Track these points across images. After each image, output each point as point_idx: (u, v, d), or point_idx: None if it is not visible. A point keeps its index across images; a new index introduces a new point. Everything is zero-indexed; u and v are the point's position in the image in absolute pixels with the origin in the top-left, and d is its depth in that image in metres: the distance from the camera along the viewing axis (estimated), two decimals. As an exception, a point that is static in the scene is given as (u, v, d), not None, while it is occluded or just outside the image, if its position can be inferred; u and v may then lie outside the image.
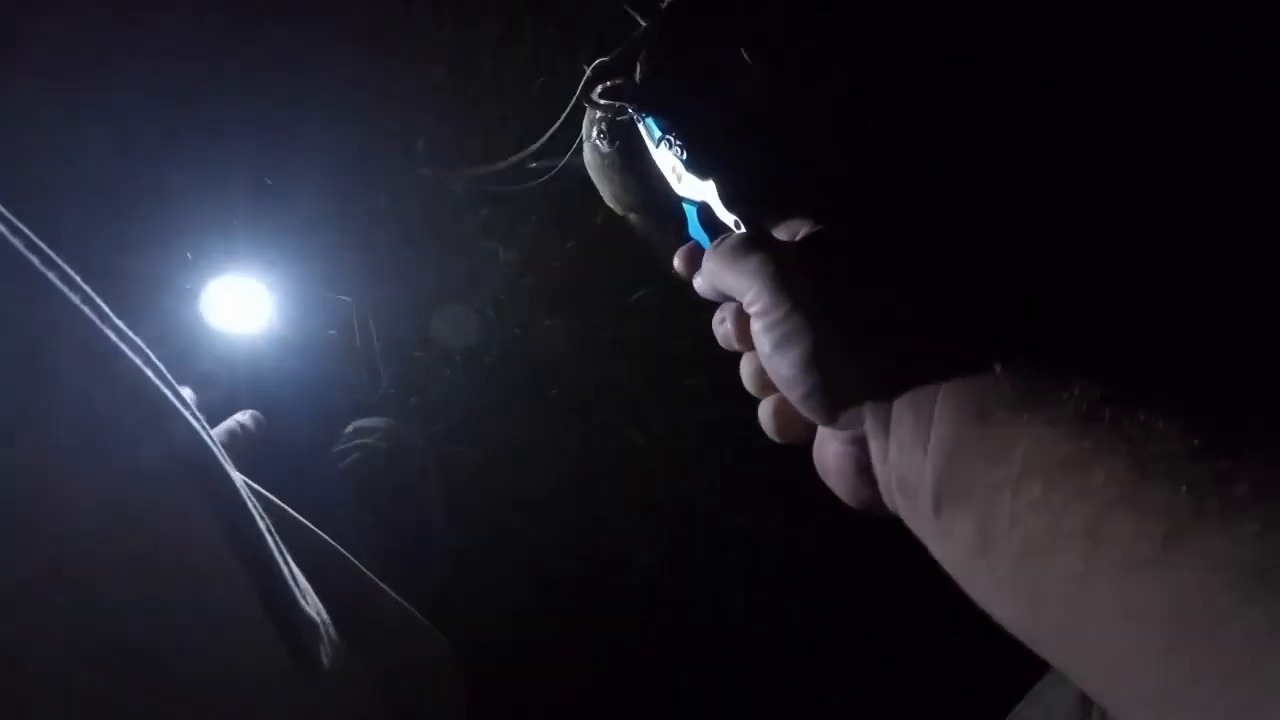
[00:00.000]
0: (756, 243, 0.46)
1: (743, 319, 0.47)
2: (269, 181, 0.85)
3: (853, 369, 0.42)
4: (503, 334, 0.95)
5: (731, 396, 1.01)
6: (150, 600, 0.41)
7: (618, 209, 0.63)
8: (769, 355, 0.44)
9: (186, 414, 0.45)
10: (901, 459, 0.40)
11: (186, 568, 0.45)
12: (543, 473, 0.97)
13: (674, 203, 0.54)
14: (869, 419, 0.42)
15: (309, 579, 0.55)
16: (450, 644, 0.71)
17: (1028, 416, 0.37)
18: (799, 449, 0.48)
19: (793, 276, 0.44)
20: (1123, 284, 0.74)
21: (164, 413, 0.43)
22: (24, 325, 0.37)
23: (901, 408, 0.40)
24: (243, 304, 0.89)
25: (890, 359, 0.42)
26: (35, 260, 0.38)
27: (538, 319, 0.97)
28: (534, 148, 0.65)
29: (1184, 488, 0.33)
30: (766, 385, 0.47)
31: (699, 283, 0.50)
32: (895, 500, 0.42)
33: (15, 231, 0.38)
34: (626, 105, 0.56)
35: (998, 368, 0.39)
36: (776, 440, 0.48)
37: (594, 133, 0.59)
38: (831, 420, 0.43)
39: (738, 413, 0.98)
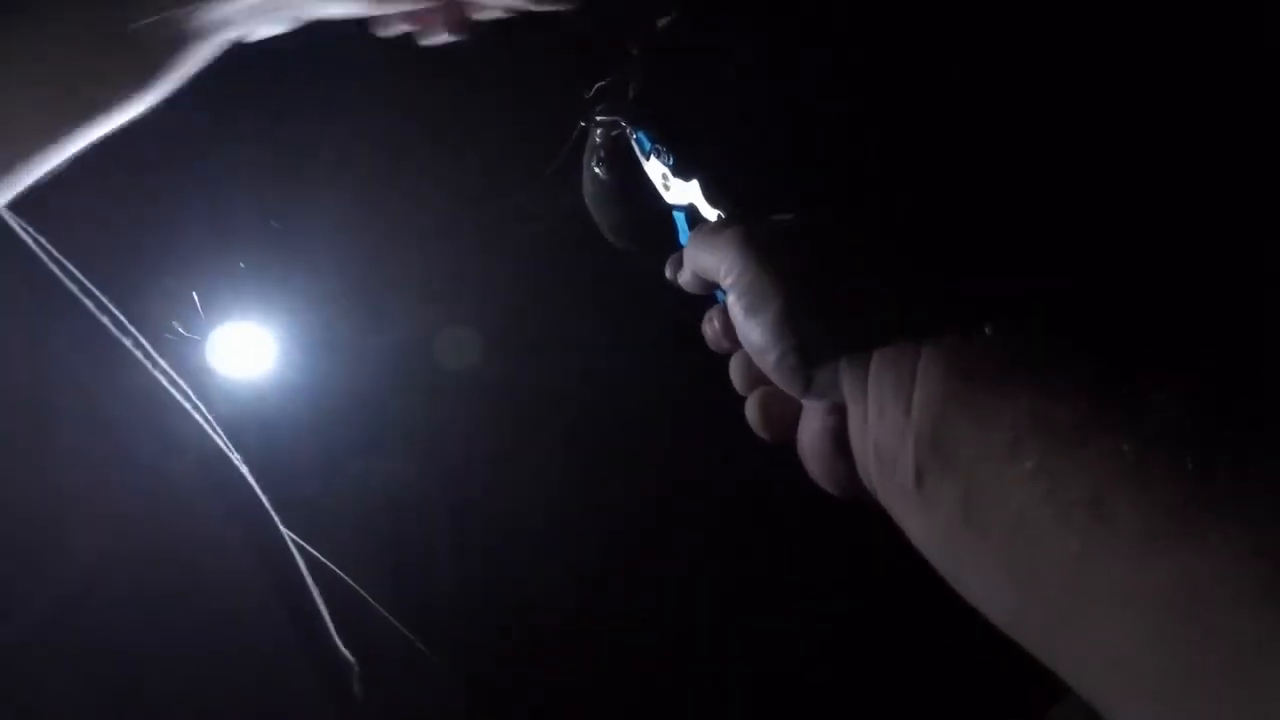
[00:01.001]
0: (732, 221, 0.46)
1: (727, 314, 0.46)
2: (275, 225, 0.85)
3: (827, 325, 0.40)
4: (505, 368, 0.95)
5: (729, 417, 1.01)
6: (167, 635, 0.40)
7: (618, 242, 0.64)
8: (742, 324, 0.42)
9: (219, 439, 0.44)
10: (881, 423, 0.37)
11: (209, 600, 0.44)
12: (547, 506, 0.96)
13: (665, 214, 0.54)
14: (846, 381, 0.39)
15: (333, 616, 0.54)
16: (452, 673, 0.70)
17: (1022, 381, 0.34)
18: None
19: (765, 241, 0.42)
20: (1120, 269, 0.74)
21: (193, 434, 0.43)
22: (70, 359, 0.37)
23: (881, 366, 0.38)
24: (249, 350, 0.89)
25: (869, 314, 0.39)
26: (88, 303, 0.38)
27: (538, 354, 0.97)
28: (553, 166, 0.65)
29: (1191, 464, 0.30)
30: (753, 379, 0.46)
31: (683, 276, 0.50)
32: (872, 474, 0.39)
33: (69, 275, 0.38)
34: (620, 119, 0.57)
35: (988, 329, 0.36)
36: (766, 438, 0.46)
37: (593, 160, 0.60)
38: (807, 385, 0.40)
39: (742, 443, 0.98)
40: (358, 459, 0.95)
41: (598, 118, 0.59)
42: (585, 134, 0.61)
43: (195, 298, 0.85)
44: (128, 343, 0.39)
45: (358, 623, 0.59)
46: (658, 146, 0.55)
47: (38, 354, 0.36)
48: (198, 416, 0.43)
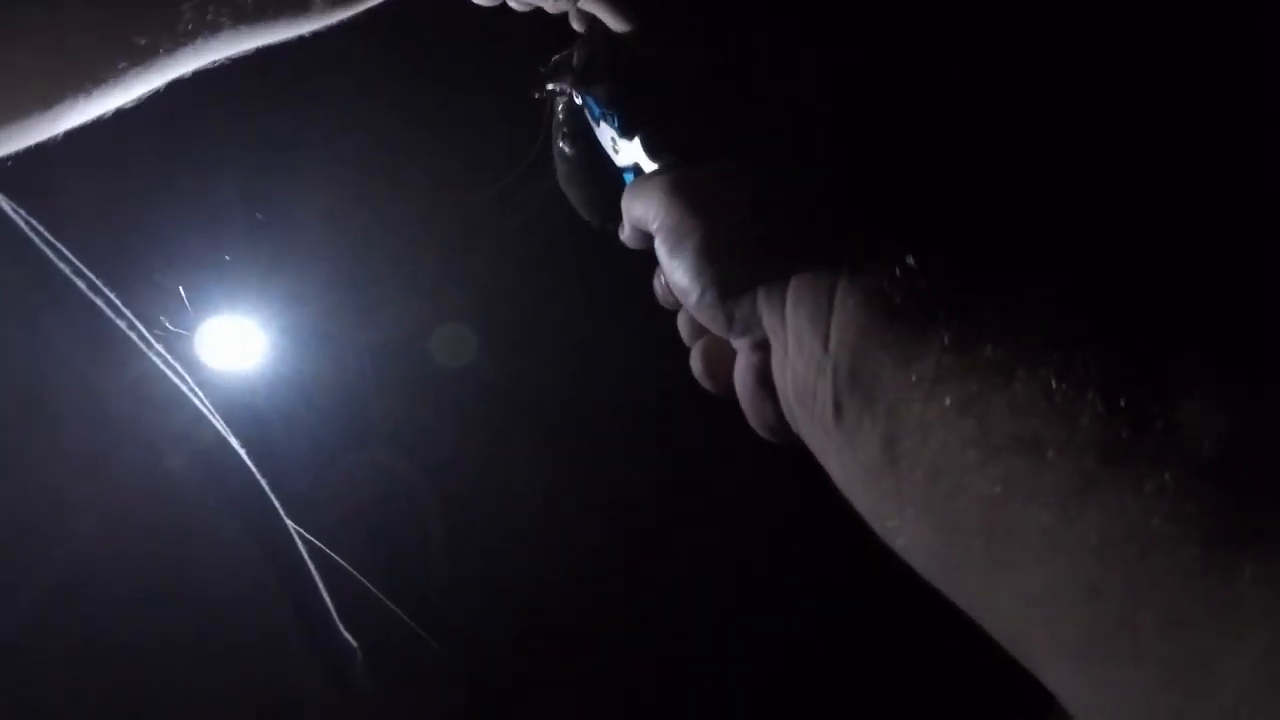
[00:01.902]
0: (663, 171, 0.45)
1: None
2: (260, 216, 0.85)
3: (744, 257, 0.39)
4: (496, 361, 0.95)
5: (720, 415, 1.01)
6: (165, 623, 0.40)
7: (593, 219, 0.63)
8: (667, 267, 0.41)
9: (219, 427, 0.44)
10: (799, 357, 0.36)
11: (211, 589, 0.43)
12: (538, 498, 0.96)
13: (617, 180, 0.54)
14: (765, 313, 0.38)
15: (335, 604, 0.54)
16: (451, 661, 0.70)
17: (946, 315, 0.32)
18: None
19: (688, 185, 0.42)
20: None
21: (191, 422, 0.42)
22: (67, 346, 0.36)
23: (799, 296, 0.36)
24: (237, 343, 0.89)
25: (786, 246, 0.38)
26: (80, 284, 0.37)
27: (530, 346, 0.97)
28: (534, 152, 0.65)
29: (1124, 401, 0.28)
30: (696, 330, 0.45)
31: (623, 231, 0.49)
32: (794, 413, 0.38)
33: (55, 252, 0.37)
34: (569, 87, 0.56)
35: (910, 259, 0.35)
36: (710, 388, 0.45)
37: (558, 137, 0.60)
38: (730, 322, 0.39)
39: (730, 433, 0.98)
40: (348, 452, 0.95)
41: (549, 89, 0.58)
42: (550, 111, 0.60)
43: (182, 292, 0.85)
44: (122, 324, 0.39)
45: (357, 612, 0.58)
46: (604, 110, 0.54)
47: (33, 340, 0.36)
48: (196, 402, 0.42)
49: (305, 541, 0.53)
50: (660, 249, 0.42)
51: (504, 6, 0.58)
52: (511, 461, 0.97)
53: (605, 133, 0.55)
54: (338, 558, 0.58)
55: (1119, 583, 0.27)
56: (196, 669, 0.44)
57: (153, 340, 0.41)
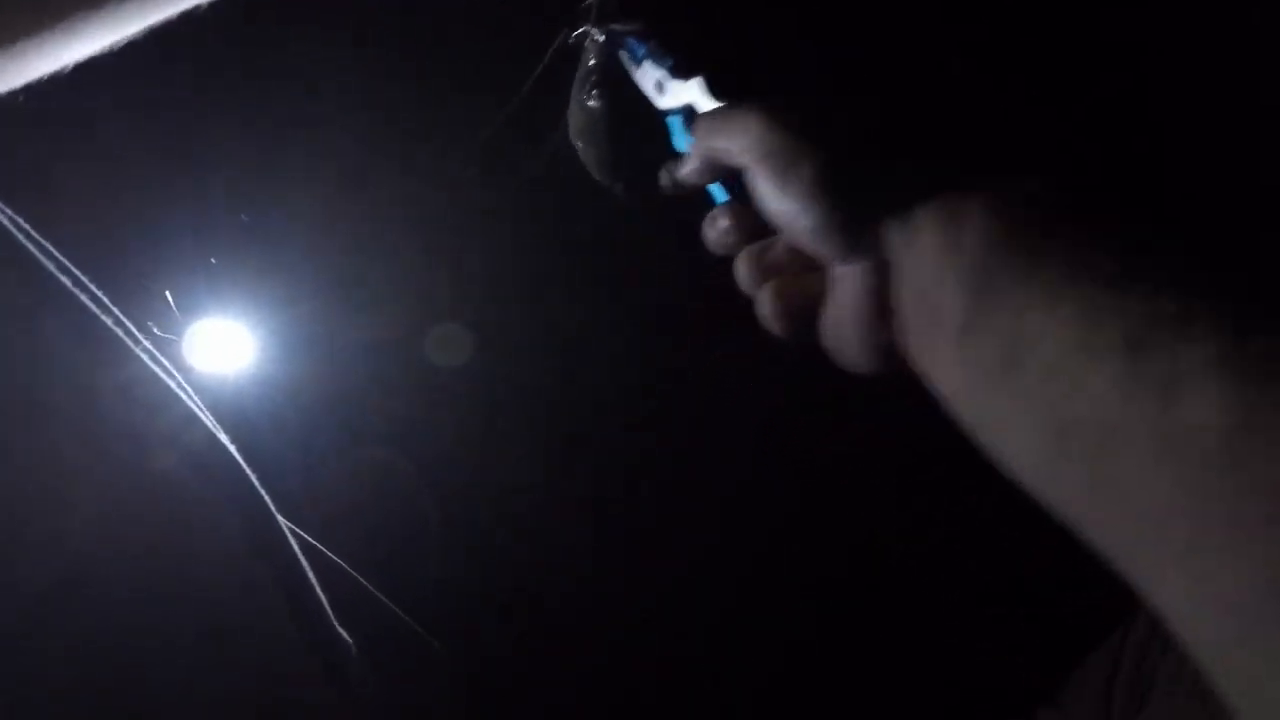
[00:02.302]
0: (747, 100, 0.45)
1: (736, 211, 0.46)
2: (245, 218, 0.84)
3: (861, 180, 0.39)
4: (489, 358, 0.95)
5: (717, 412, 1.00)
6: (164, 622, 0.40)
7: (605, 179, 0.62)
8: (774, 192, 0.41)
9: (210, 426, 0.44)
10: (926, 273, 0.37)
11: (206, 588, 0.43)
12: (534, 495, 0.96)
13: (658, 122, 0.53)
14: (891, 235, 0.38)
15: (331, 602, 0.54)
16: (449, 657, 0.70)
17: (1064, 231, 0.34)
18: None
19: (791, 114, 0.42)
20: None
21: (184, 421, 0.42)
22: (59, 346, 0.36)
23: (926, 217, 0.37)
24: (225, 346, 0.88)
25: (908, 170, 0.39)
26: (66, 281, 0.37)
27: (523, 342, 0.97)
28: (529, 82, 0.63)
29: (1232, 316, 0.30)
30: (763, 272, 0.45)
31: (688, 168, 0.49)
32: (912, 332, 0.38)
33: (46, 254, 0.37)
34: (612, 29, 0.55)
35: (1031, 184, 0.36)
36: (782, 330, 0.45)
37: (584, 89, 0.58)
38: (851, 247, 0.40)
39: (729, 431, 0.99)
40: (340, 452, 0.95)
41: (582, 32, 0.57)
42: (564, 48, 0.59)
43: (169, 296, 0.84)
44: (110, 322, 0.39)
45: (353, 610, 0.58)
46: (653, 50, 0.53)
47: (27, 340, 0.36)
48: (188, 402, 0.42)
49: (300, 540, 0.53)
50: (765, 178, 0.41)
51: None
52: (507, 458, 0.97)
53: (648, 75, 0.53)
54: (333, 555, 0.58)
55: (1228, 479, 0.27)
56: (194, 668, 0.44)
57: (143, 339, 0.41)
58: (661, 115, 0.54)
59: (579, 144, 0.62)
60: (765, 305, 0.45)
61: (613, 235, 0.92)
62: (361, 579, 0.61)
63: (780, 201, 0.41)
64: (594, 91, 0.58)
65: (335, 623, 0.51)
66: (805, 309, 0.44)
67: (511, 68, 0.69)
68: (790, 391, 0.99)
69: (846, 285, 0.41)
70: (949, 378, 0.37)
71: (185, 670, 0.43)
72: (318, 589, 0.51)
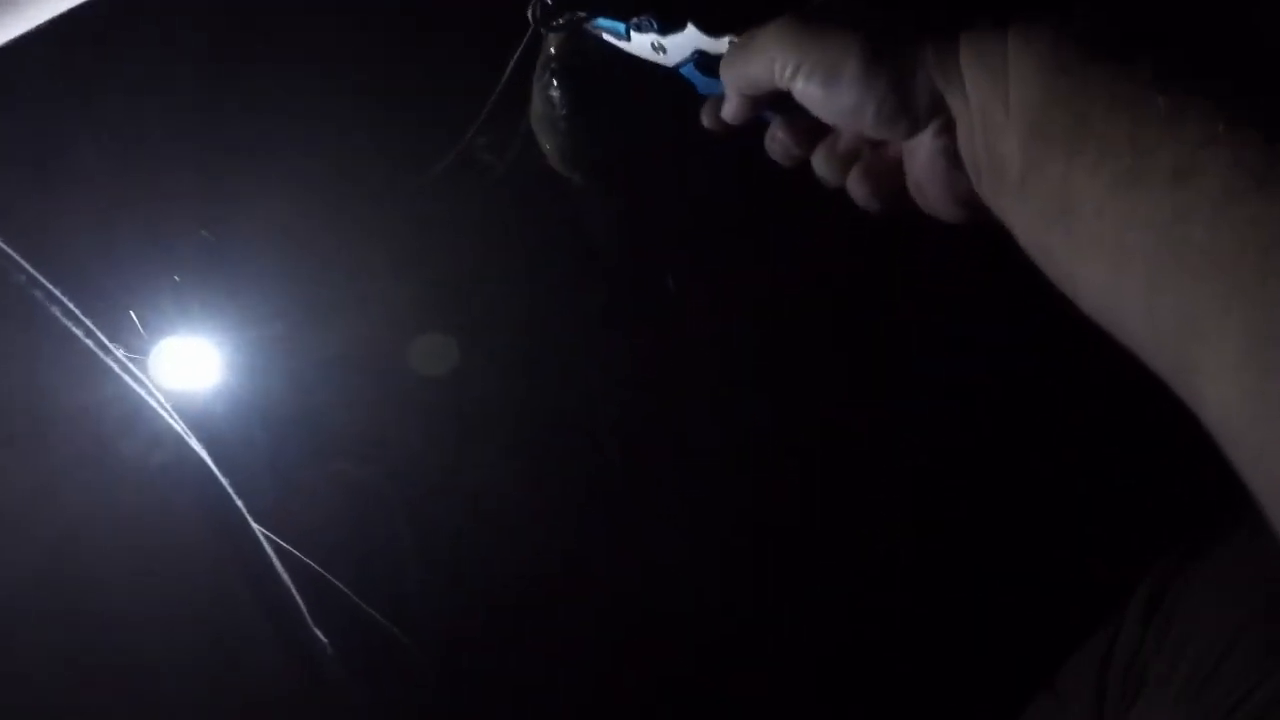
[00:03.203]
0: (764, 25, 0.45)
1: (791, 124, 0.47)
2: (206, 234, 0.85)
3: (907, 53, 0.41)
4: (461, 360, 0.96)
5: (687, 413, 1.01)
6: (146, 610, 0.41)
7: (564, 169, 0.63)
8: (825, 97, 0.43)
9: (183, 437, 0.45)
10: (986, 125, 0.39)
11: (184, 579, 0.44)
12: (505, 497, 0.97)
13: (672, 82, 0.54)
14: (947, 96, 0.41)
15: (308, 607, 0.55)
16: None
17: (1112, 67, 0.36)
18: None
19: (813, 17, 0.43)
20: None
21: (159, 438, 0.43)
22: (31, 358, 0.37)
23: (975, 73, 0.39)
24: (192, 363, 0.89)
25: (940, 28, 0.40)
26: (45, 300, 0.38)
27: (488, 347, 0.98)
28: (502, 84, 0.63)
29: (1273, 136, 0.31)
30: (844, 161, 0.47)
31: (728, 108, 0.50)
32: (983, 179, 0.41)
33: (24, 276, 0.38)
34: (581, 14, 0.56)
35: (1071, 20, 0.38)
36: (877, 206, 0.47)
37: (544, 78, 0.59)
38: (913, 121, 0.42)
39: (700, 429, 1.00)
40: (311, 465, 0.95)
41: (557, 21, 0.57)
42: (536, 43, 0.60)
43: (133, 316, 0.85)
44: (81, 333, 0.40)
45: (329, 614, 0.59)
46: (634, 20, 0.54)
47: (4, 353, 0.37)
48: (159, 410, 0.43)
49: (274, 546, 0.54)
50: (812, 85, 0.43)
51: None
52: (478, 462, 0.97)
53: (641, 43, 0.54)
54: (307, 559, 0.59)
55: (1269, 292, 0.29)
56: (170, 675, 0.45)
57: (114, 348, 0.42)
58: (673, 74, 0.54)
59: (541, 131, 0.63)
60: (856, 191, 0.47)
61: (579, 235, 0.94)
62: (335, 580, 0.62)
63: (835, 103, 0.43)
64: (553, 81, 0.59)
65: (311, 623, 0.52)
66: (891, 183, 0.46)
67: (479, 68, 0.70)
68: (762, 386, 1.00)
69: (919, 151, 0.43)
70: (1016, 221, 0.40)
71: (158, 679, 0.44)
72: (294, 592, 0.52)
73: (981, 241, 1.01)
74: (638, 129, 0.64)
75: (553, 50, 0.59)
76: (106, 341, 0.42)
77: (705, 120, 0.54)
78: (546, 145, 0.63)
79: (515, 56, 0.61)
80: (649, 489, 1.00)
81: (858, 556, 0.97)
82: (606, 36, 0.55)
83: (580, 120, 0.60)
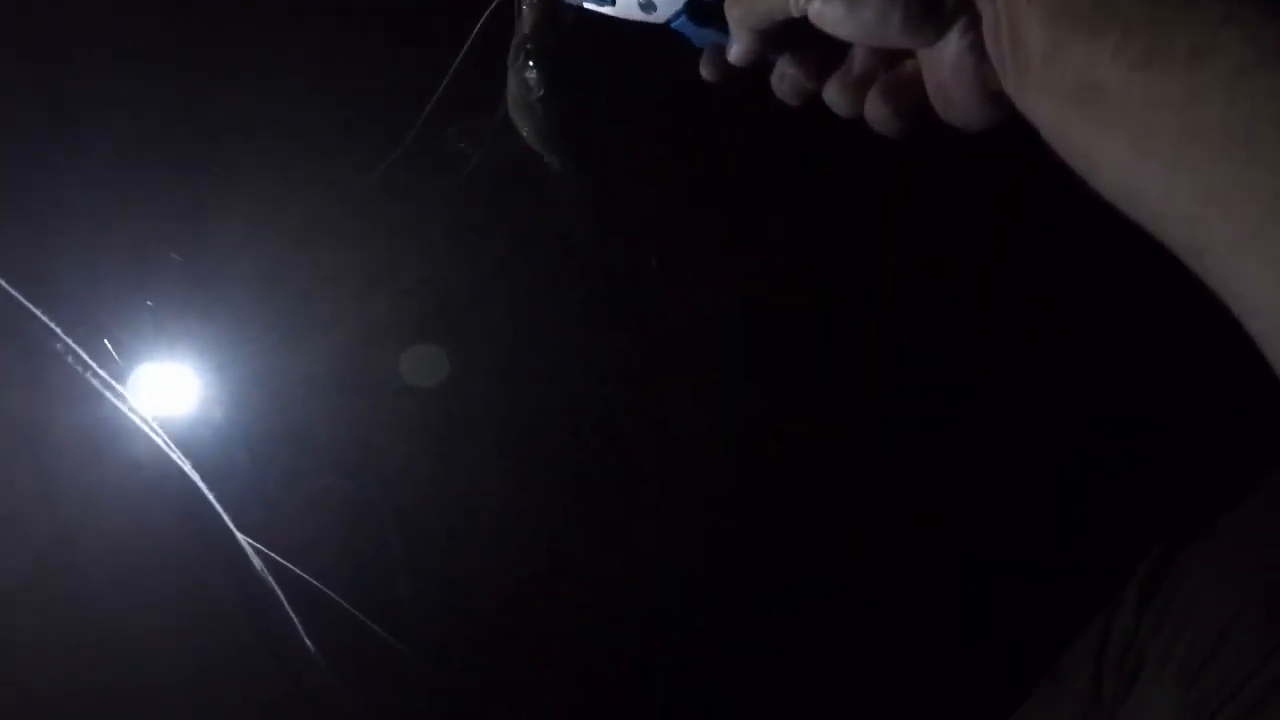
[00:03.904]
0: None
1: (800, 59, 0.47)
2: (177, 258, 0.85)
3: None
4: (442, 368, 0.96)
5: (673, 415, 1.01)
6: (135, 603, 0.41)
7: (541, 148, 0.63)
8: (847, 11, 0.43)
9: (165, 452, 0.45)
10: (1009, 18, 0.40)
11: (166, 588, 0.45)
12: (493, 504, 0.97)
13: (666, 38, 0.53)
14: None
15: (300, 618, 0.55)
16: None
17: None
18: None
19: None
20: None
21: (145, 457, 0.44)
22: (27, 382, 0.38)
23: None
24: (170, 388, 0.89)
25: None
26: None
27: (467, 355, 0.98)
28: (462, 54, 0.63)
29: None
30: (860, 85, 0.47)
31: (735, 49, 0.49)
32: (1009, 78, 0.41)
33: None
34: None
35: None
36: (900, 127, 0.47)
37: (519, 59, 0.59)
38: (940, 21, 0.42)
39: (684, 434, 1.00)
40: (298, 483, 0.95)
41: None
42: (501, 16, 0.59)
43: (109, 344, 0.85)
44: (69, 358, 0.41)
45: (320, 622, 0.60)
46: None
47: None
48: (142, 427, 0.44)
49: (264, 558, 0.55)
50: (827, 9, 0.43)
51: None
52: (464, 470, 0.97)
53: (628, 4, 0.52)
54: (297, 569, 0.60)
55: None
56: (163, 689, 0.45)
57: (96, 368, 0.43)
58: (666, 30, 0.53)
59: (519, 114, 0.62)
60: (876, 114, 0.47)
61: (556, 228, 0.94)
62: (326, 589, 0.62)
63: (857, 17, 0.43)
64: (528, 63, 0.58)
65: (302, 631, 0.52)
66: (912, 97, 0.46)
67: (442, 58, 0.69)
68: (749, 375, 1.01)
69: (945, 54, 0.43)
70: (1039, 110, 0.40)
71: (151, 694, 0.44)
72: (283, 600, 0.53)
73: (970, 233, 1.02)
74: (617, 108, 0.64)
75: (527, 31, 0.58)
76: (90, 361, 0.42)
77: (705, 72, 0.52)
78: (524, 129, 0.62)
79: (475, 30, 0.60)
80: (635, 485, 1.00)
81: (849, 547, 0.98)
82: (588, 4, 0.54)
83: (556, 101, 0.59)
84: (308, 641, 0.52)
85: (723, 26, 0.50)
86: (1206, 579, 0.58)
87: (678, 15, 0.52)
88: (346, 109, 0.92)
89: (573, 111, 0.57)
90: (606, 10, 0.54)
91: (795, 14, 0.44)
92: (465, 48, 0.63)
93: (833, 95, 0.48)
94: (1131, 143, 0.36)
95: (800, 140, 0.95)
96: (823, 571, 0.98)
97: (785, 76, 0.49)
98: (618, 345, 0.99)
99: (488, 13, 0.61)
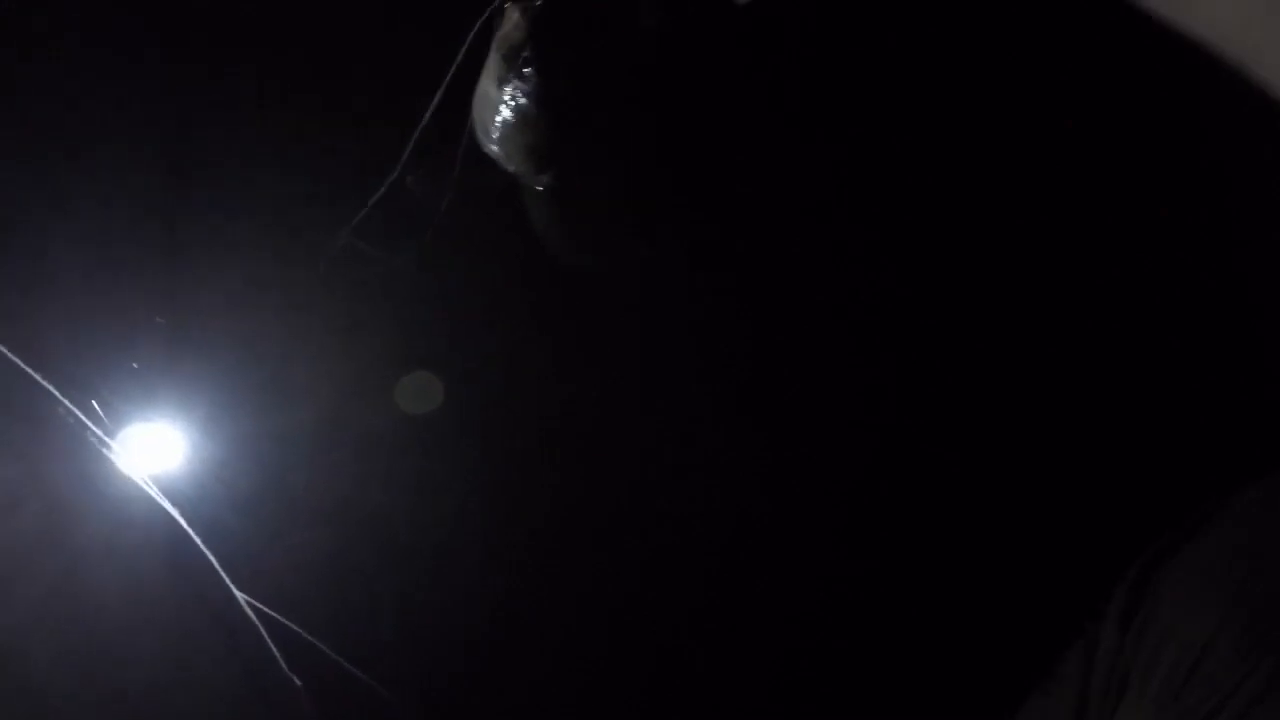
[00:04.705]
0: None
1: None
2: (160, 320, 0.87)
3: None
4: (425, 406, 0.98)
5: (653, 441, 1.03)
6: (129, 650, 0.43)
7: (534, 169, 0.62)
8: None
9: (155, 507, 0.48)
10: None
11: (162, 661, 0.47)
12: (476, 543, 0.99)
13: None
14: None
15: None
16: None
17: None
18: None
19: None
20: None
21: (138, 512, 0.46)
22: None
23: None
24: (158, 448, 0.91)
25: None
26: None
27: (445, 393, 1.00)
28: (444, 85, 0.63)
29: None
30: None
31: None
32: None
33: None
34: None
35: None
36: None
37: (506, 93, 0.59)
38: None
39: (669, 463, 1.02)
40: (280, 536, 0.96)
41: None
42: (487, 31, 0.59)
43: (96, 405, 0.87)
44: (66, 418, 0.43)
45: (305, 665, 0.61)
46: None
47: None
48: (145, 489, 0.46)
49: (253, 609, 0.57)
50: None
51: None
52: (449, 511, 0.99)
53: None
54: (285, 620, 0.61)
55: None
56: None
57: (91, 425, 0.45)
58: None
59: (499, 139, 0.62)
60: None
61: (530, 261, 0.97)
62: (311, 638, 0.64)
63: None
64: (519, 84, 0.58)
65: (286, 668, 0.54)
66: None
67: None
68: (738, 384, 1.03)
69: None
70: None
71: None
72: (274, 650, 0.54)
73: (960, 244, 1.03)
74: (606, 119, 0.64)
75: (510, 34, 0.59)
76: (83, 417, 0.45)
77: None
78: (515, 159, 0.62)
79: (464, 45, 0.61)
80: (618, 521, 1.01)
81: (833, 557, 0.99)
82: None
83: (551, 113, 0.59)
84: (297, 682, 0.54)
85: None
86: (1185, 594, 0.58)
87: None
88: (320, 179, 0.95)
89: (567, 123, 0.57)
90: None
91: None
92: (436, 99, 0.64)
93: None
94: None
95: (784, 148, 0.98)
96: (811, 581, 0.98)
97: None
98: (598, 375, 1.01)
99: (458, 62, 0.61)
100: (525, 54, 0.60)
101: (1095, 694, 0.62)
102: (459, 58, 0.64)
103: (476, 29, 0.63)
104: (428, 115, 0.69)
